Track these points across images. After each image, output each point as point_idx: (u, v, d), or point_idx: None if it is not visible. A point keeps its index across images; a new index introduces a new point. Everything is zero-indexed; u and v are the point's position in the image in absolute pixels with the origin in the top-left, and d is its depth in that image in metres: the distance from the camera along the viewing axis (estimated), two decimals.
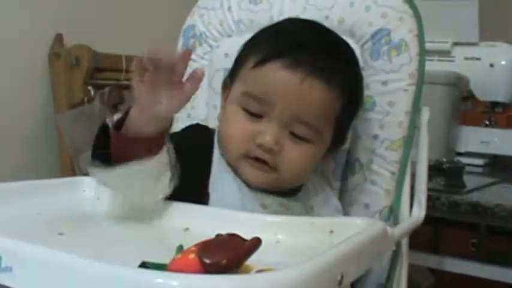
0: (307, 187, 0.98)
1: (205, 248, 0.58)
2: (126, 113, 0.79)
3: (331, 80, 0.89)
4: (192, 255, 0.57)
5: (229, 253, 0.56)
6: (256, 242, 0.58)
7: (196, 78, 0.78)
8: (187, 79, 0.78)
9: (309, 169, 0.94)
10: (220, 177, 0.92)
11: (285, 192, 0.94)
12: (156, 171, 0.81)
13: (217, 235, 0.62)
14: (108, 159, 0.78)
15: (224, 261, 0.55)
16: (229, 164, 0.93)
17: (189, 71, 1.18)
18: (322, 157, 0.95)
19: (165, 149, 0.81)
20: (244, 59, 0.94)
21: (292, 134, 0.89)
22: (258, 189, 0.91)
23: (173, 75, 0.76)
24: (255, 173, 0.90)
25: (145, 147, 0.78)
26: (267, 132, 0.88)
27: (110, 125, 0.79)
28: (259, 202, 0.91)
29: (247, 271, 0.59)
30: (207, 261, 0.56)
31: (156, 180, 0.82)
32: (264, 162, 0.89)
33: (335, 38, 0.98)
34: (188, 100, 0.79)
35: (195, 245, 0.58)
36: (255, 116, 0.90)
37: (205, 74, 0.81)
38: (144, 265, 0.60)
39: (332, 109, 0.91)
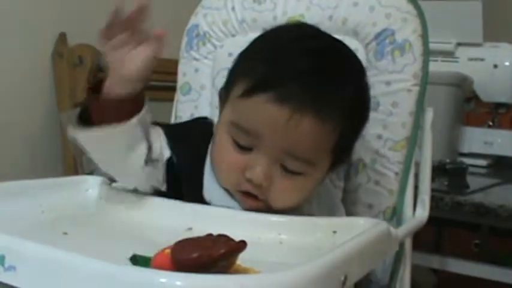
0: (310, 201, 0.93)
1: (181, 245, 0.58)
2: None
3: (322, 113, 0.81)
4: (168, 251, 0.58)
5: (201, 252, 0.56)
6: (237, 245, 0.58)
7: (157, 36, 0.80)
8: (152, 38, 0.80)
9: (302, 198, 0.88)
10: (214, 189, 0.90)
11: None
12: (127, 138, 0.82)
13: (208, 235, 0.63)
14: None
15: (193, 259, 0.56)
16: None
17: (192, 70, 1.20)
18: (321, 180, 0.91)
19: (135, 119, 0.81)
20: (235, 79, 0.88)
21: (283, 167, 0.84)
22: None
23: (134, 33, 0.78)
24: (247, 203, 0.86)
25: (117, 112, 0.79)
26: (256, 167, 0.83)
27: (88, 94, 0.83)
28: None
29: (238, 271, 0.60)
30: (177, 257, 0.57)
31: (128, 148, 0.82)
32: (253, 195, 0.86)
33: (334, 54, 0.89)
34: (151, 60, 0.80)
35: (176, 242, 0.59)
36: (245, 148, 0.85)
37: (166, 32, 0.81)
38: (134, 257, 0.63)
39: (327, 140, 0.85)
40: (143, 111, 0.82)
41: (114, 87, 0.80)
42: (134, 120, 0.80)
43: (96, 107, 0.81)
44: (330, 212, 0.97)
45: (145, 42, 0.79)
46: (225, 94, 0.91)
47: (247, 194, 0.86)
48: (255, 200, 0.86)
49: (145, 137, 0.84)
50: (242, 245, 0.57)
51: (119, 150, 0.82)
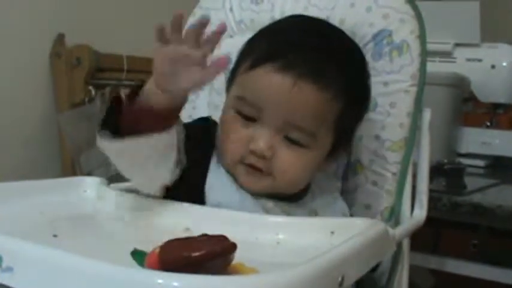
0: (313, 191, 0.96)
1: (170, 244, 0.59)
2: (140, 86, 0.79)
3: (323, 82, 0.85)
4: (157, 250, 0.58)
5: (188, 252, 0.56)
6: (222, 247, 0.58)
7: (220, 64, 0.76)
8: (210, 64, 0.76)
9: (306, 175, 0.91)
10: (218, 177, 0.90)
11: (288, 196, 0.92)
12: (164, 148, 0.81)
13: (203, 235, 0.63)
14: (117, 131, 0.77)
15: (176, 259, 0.56)
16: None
17: None
18: (323, 161, 0.93)
19: (174, 128, 0.80)
20: (240, 62, 0.93)
21: (287, 138, 0.87)
22: (259, 194, 0.90)
23: (196, 51, 0.75)
24: (250, 180, 0.88)
25: (156, 122, 0.77)
26: (260, 138, 0.86)
27: (124, 95, 0.79)
28: (261, 206, 0.89)
29: (241, 271, 0.59)
30: (163, 257, 0.57)
31: (161, 159, 0.81)
32: (258, 168, 0.87)
33: (334, 37, 0.94)
34: (204, 84, 0.77)
35: (165, 241, 0.60)
36: (249, 119, 0.88)
37: (230, 62, 0.82)
38: (134, 252, 0.65)
39: (328, 112, 0.88)
40: (178, 125, 0.82)
41: (157, 97, 0.78)
42: (173, 131, 0.80)
43: (130, 116, 0.78)
44: (329, 206, 0.98)
45: (201, 65, 0.76)
46: (230, 83, 0.94)
47: (251, 168, 0.87)
48: (258, 175, 0.87)
49: (176, 145, 0.83)
50: (228, 247, 0.58)
51: (155, 160, 0.81)
